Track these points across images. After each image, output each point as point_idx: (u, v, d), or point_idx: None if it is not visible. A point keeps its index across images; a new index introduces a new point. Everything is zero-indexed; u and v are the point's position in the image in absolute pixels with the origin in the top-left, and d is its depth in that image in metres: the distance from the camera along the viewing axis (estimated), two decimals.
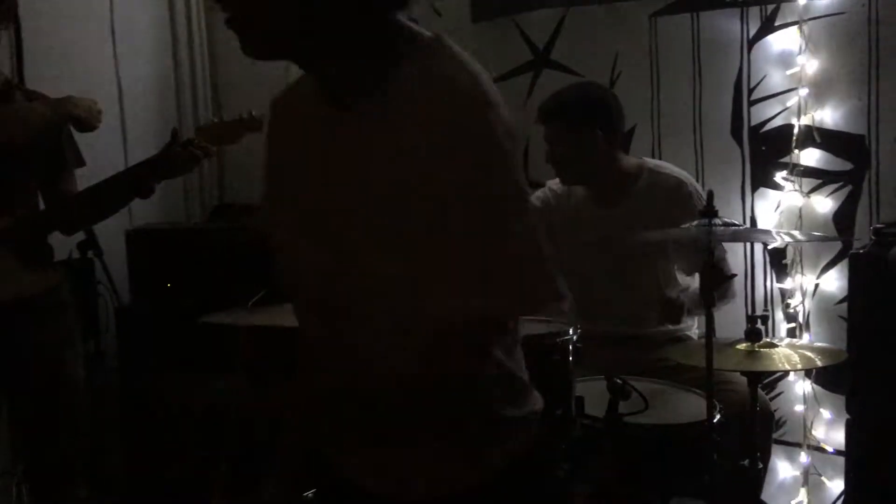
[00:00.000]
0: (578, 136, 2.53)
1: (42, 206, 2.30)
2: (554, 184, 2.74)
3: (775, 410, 2.74)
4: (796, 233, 2.59)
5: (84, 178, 2.34)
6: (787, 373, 2.75)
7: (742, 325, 2.13)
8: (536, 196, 2.69)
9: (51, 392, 2.17)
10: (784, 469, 2.85)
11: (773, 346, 2.03)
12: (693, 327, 2.69)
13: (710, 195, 1.87)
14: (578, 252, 2.58)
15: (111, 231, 2.79)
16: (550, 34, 3.18)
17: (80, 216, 2.30)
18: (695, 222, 1.88)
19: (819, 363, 2.03)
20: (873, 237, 2.43)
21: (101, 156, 2.57)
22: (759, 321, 2.03)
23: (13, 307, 2.09)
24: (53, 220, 2.27)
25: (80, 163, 2.39)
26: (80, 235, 2.42)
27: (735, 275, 1.91)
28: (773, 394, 2.84)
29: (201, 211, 3.72)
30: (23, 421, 2.20)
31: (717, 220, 1.85)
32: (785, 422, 2.83)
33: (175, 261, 3.23)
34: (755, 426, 2.07)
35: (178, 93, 3.69)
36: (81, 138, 2.35)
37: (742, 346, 2.04)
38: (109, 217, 2.35)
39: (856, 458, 2.44)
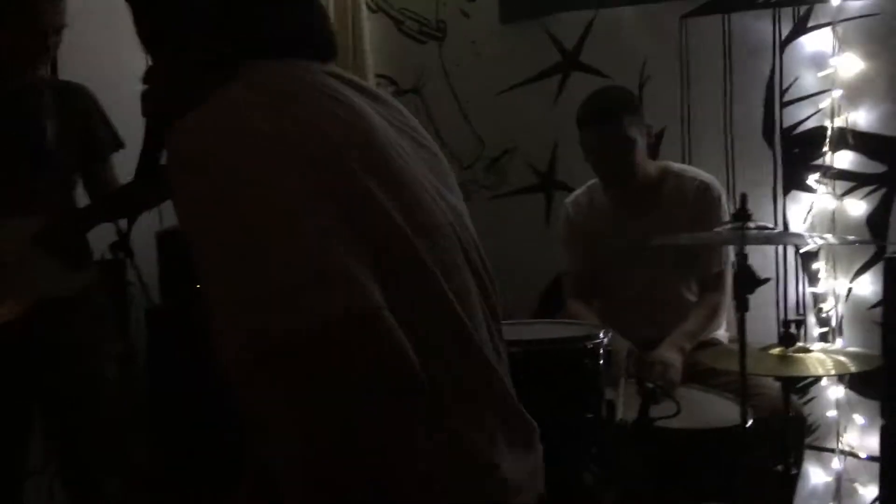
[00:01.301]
0: (631, 134, 2.50)
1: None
2: (574, 198, 2.73)
3: (808, 415, 2.71)
4: (829, 236, 2.56)
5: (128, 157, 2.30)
6: (819, 378, 2.72)
7: (773, 330, 2.11)
8: (560, 216, 2.70)
9: (85, 392, 2.19)
10: (816, 475, 2.82)
11: (807, 350, 2.01)
12: (723, 331, 2.66)
13: (744, 198, 1.85)
14: (607, 260, 2.58)
15: (142, 232, 2.81)
16: (579, 36, 3.17)
17: (118, 210, 2.21)
18: (728, 225, 1.86)
19: (853, 368, 2.00)
20: None
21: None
22: (793, 326, 2.01)
23: (50, 307, 2.11)
24: (91, 217, 2.24)
25: (118, 145, 2.34)
26: (111, 236, 2.44)
27: (768, 279, 1.88)
28: (805, 398, 2.81)
29: None
30: (57, 420, 2.23)
31: (750, 224, 1.83)
32: (818, 427, 2.80)
33: (186, 265, 3.23)
34: (788, 431, 2.04)
35: None
36: (123, 121, 2.32)
37: (776, 350, 2.02)
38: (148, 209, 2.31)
39: (890, 464, 2.40)
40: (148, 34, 1.09)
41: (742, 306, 1.81)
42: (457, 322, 1.01)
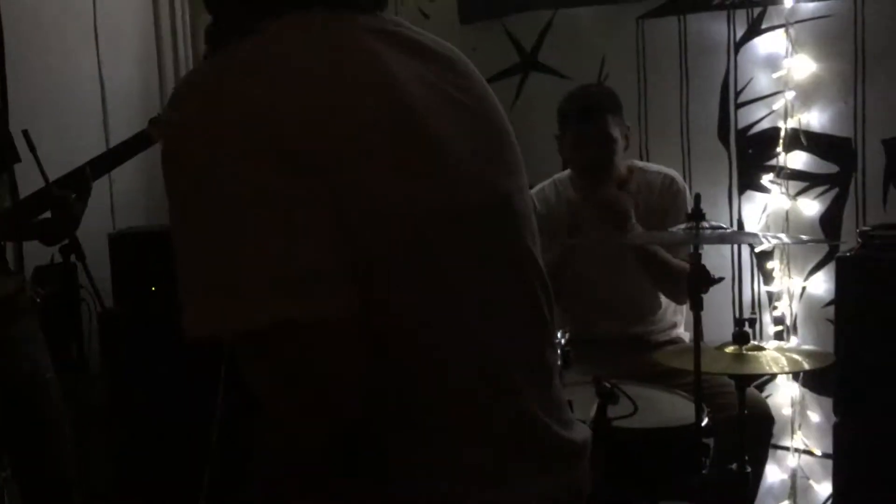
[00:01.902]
0: (613, 133, 2.54)
1: None
2: (539, 189, 2.74)
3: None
4: (783, 235, 2.59)
5: None
6: (774, 376, 2.75)
7: (729, 329, 2.13)
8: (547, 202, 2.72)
9: (22, 392, 2.17)
10: (772, 472, 2.84)
11: (761, 349, 2.03)
12: (682, 329, 2.70)
13: (698, 198, 1.86)
14: (573, 254, 2.59)
15: (94, 235, 2.76)
16: (538, 36, 3.17)
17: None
18: (682, 225, 1.87)
19: (806, 366, 2.03)
20: (860, 240, 2.43)
21: (85, 158, 2.54)
22: (746, 324, 2.03)
23: None
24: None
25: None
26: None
27: (723, 278, 1.90)
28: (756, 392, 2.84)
29: None
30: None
31: (704, 223, 1.84)
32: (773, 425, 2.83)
33: (159, 264, 3.20)
34: (744, 430, 2.06)
35: (162, 96, 3.66)
36: (65, 143, 2.32)
37: (730, 349, 2.04)
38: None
39: (843, 461, 2.44)
40: None
41: (696, 305, 1.82)
42: (466, 332, 0.88)
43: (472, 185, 0.93)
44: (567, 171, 2.74)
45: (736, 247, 2.85)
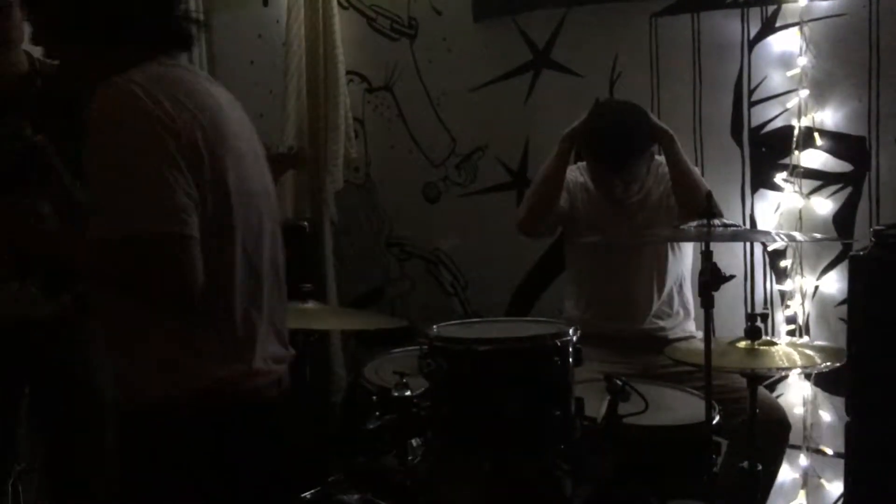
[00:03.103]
0: (637, 173, 2.62)
1: None
2: (570, 173, 2.76)
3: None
4: (796, 233, 2.58)
5: None
6: (786, 375, 2.74)
7: (742, 327, 2.12)
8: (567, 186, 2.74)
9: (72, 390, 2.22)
10: (783, 471, 2.83)
11: (773, 344, 2.03)
12: (694, 327, 2.70)
13: (709, 196, 1.86)
14: (590, 247, 2.61)
15: None
16: (550, 34, 3.17)
17: None
18: (694, 223, 1.87)
19: (819, 361, 2.02)
20: (873, 239, 2.42)
21: None
22: (759, 319, 2.02)
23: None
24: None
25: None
26: None
27: (734, 276, 1.90)
28: (773, 395, 2.83)
29: None
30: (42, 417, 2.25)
31: (717, 221, 1.84)
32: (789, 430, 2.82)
33: None
34: (754, 427, 2.06)
35: None
36: None
37: (742, 344, 2.03)
38: None
39: (855, 461, 2.43)
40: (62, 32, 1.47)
41: (707, 303, 1.82)
42: (248, 256, 1.45)
43: (252, 177, 1.49)
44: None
45: (748, 245, 2.84)
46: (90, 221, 1.34)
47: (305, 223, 3.26)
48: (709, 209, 1.82)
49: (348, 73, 3.49)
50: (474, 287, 3.44)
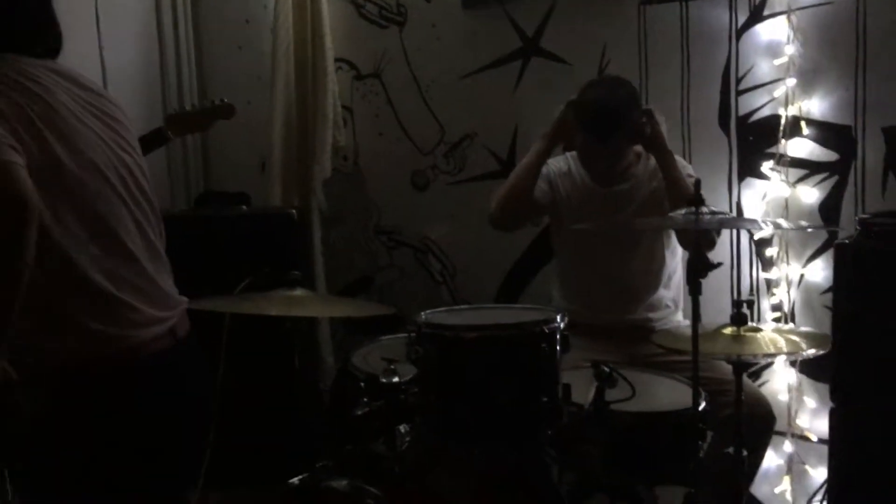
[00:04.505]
0: (624, 149, 2.62)
1: None
2: (555, 161, 2.75)
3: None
4: (782, 221, 2.60)
5: None
6: (772, 362, 2.77)
7: (728, 315, 2.13)
8: (543, 176, 2.74)
9: None
10: (768, 457, 2.85)
11: (759, 330, 2.04)
12: (681, 316, 2.72)
13: (698, 183, 1.87)
14: (579, 233, 2.61)
15: None
16: (540, 22, 3.17)
17: None
18: (682, 210, 1.88)
19: (804, 348, 2.03)
20: (858, 227, 2.44)
21: None
22: (745, 305, 2.04)
23: None
24: None
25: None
26: None
27: (721, 263, 1.91)
28: (758, 382, 2.86)
29: (187, 198, 3.70)
30: None
31: (704, 209, 1.85)
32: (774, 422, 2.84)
33: (181, 248, 3.20)
34: (740, 412, 2.07)
35: (164, 79, 3.66)
36: None
37: (727, 330, 2.04)
38: None
39: (839, 447, 2.45)
40: None
41: (695, 290, 1.83)
42: (101, 218, 1.67)
43: (98, 152, 1.71)
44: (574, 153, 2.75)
45: (735, 233, 2.86)
46: None
47: (293, 211, 3.25)
48: (697, 197, 1.82)
49: (337, 60, 3.48)
50: (463, 275, 3.44)
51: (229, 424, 2.89)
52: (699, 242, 1.87)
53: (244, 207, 3.35)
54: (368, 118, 3.54)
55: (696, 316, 1.83)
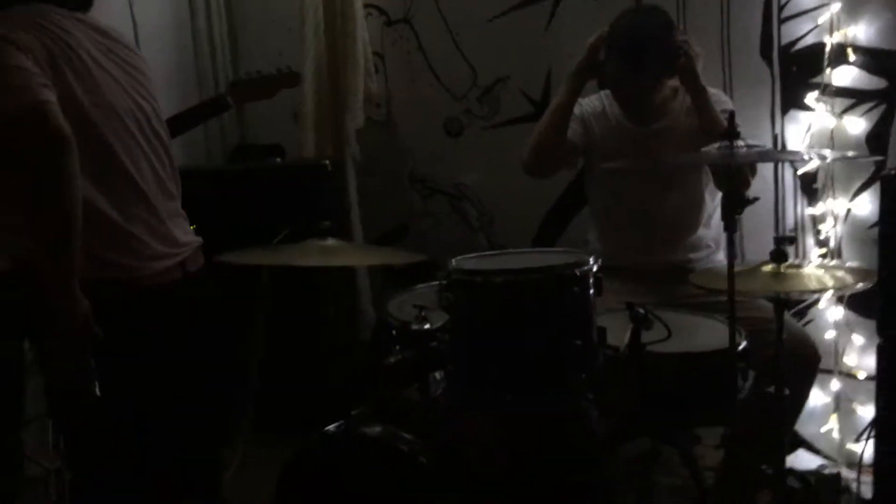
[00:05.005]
0: (660, 84, 2.52)
1: None
2: (588, 100, 2.68)
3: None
4: (826, 151, 2.50)
5: None
6: (817, 299, 2.69)
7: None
8: (576, 116, 2.66)
9: None
10: (815, 395, 2.81)
11: (800, 267, 1.98)
12: (721, 255, 2.65)
13: (732, 116, 1.80)
14: (614, 174, 2.55)
15: None
16: None
17: None
18: (716, 144, 1.81)
19: (847, 282, 1.96)
20: None
21: None
22: (785, 242, 1.97)
23: None
24: None
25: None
26: None
27: (757, 198, 1.84)
28: (804, 320, 2.79)
29: (223, 152, 3.70)
30: None
31: (740, 142, 1.78)
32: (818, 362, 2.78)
33: (199, 202, 3.23)
34: (781, 350, 2.02)
35: (195, 33, 3.64)
36: None
37: (767, 268, 1.98)
38: None
39: (886, 384, 2.39)
40: None
41: (730, 227, 1.77)
42: (117, 157, 1.78)
43: (116, 95, 1.82)
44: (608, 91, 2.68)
45: (779, 167, 2.77)
46: None
47: (326, 162, 3.23)
48: (731, 129, 1.75)
49: (366, 6, 3.41)
50: (499, 221, 3.41)
51: (265, 375, 2.94)
52: (733, 178, 1.80)
53: (278, 160, 3.34)
54: (400, 65, 3.49)
55: (731, 253, 1.78)
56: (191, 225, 3.04)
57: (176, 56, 3.55)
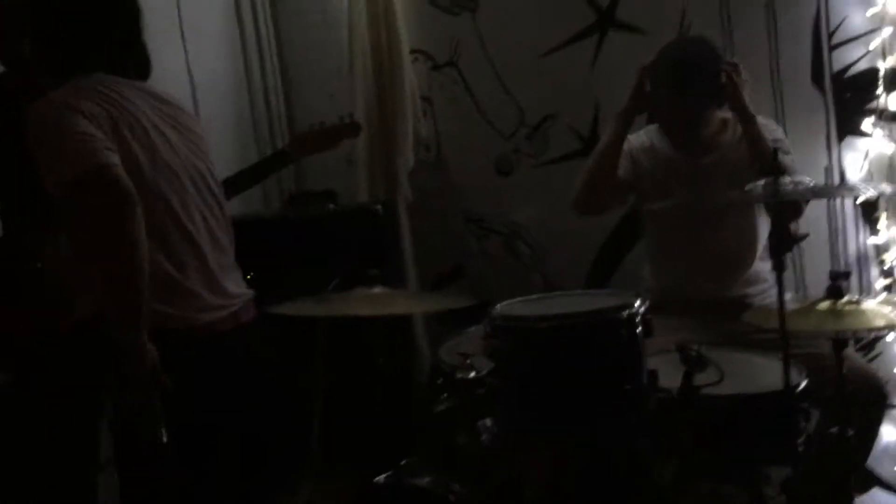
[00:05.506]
0: (706, 110, 2.51)
1: None
2: (635, 137, 2.66)
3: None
4: (884, 185, 2.42)
5: None
6: (884, 334, 2.59)
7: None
8: (625, 153, 2.63)
9: None
10: (888, 433, 2.69)
11: (858, 303, 1.91)
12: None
13: (776, 153, 1.75)
14: (669, 212, 2.52)
15: None
16: None
17: None
18: (761, 181, 1.77)
19: None
20: None
21: None
22: (840, 278, 1.91)
23: None
24: None
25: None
26: None
27: (807, 235, 1.79)
28: (871, 354, 2.69)
29: (279, 199, 3.78)
30: None
31: (787, 179, 1.74)
32: (886, 382, 2.67)
33: (255, 251, 3.29)
34: (843, 391, 1.95)
35: (250, 86, 3.74)
36: None
37: (823, 305, 1.92)
38: None
39: None
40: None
41: (779, 266, 1.72)
42: (174, 215, 1.86)
43: (173, 156, 1.90)
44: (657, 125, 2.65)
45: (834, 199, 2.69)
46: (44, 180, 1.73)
47: (379, 207, 3.27)
48: (775, 166, 1.71)
49: (412, 51, 3.47)
50: (553, 258, 3.38)
51: (318, 423, 2.96)
52: (781, 215, 1.75)
53: (331, 206, 3.39)
54: (448, 107, 3.51)
55: (781, 293, 1.73)
56: (248, 274, 3.15)
57: (233, 109, 3.65)
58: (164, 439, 1.74)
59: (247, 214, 3.54)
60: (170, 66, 3.32)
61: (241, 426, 1.96)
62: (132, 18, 1.97)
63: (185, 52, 3.41)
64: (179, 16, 3.39)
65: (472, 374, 1.90)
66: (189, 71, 3.42)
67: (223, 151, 2.60)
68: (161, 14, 3.32)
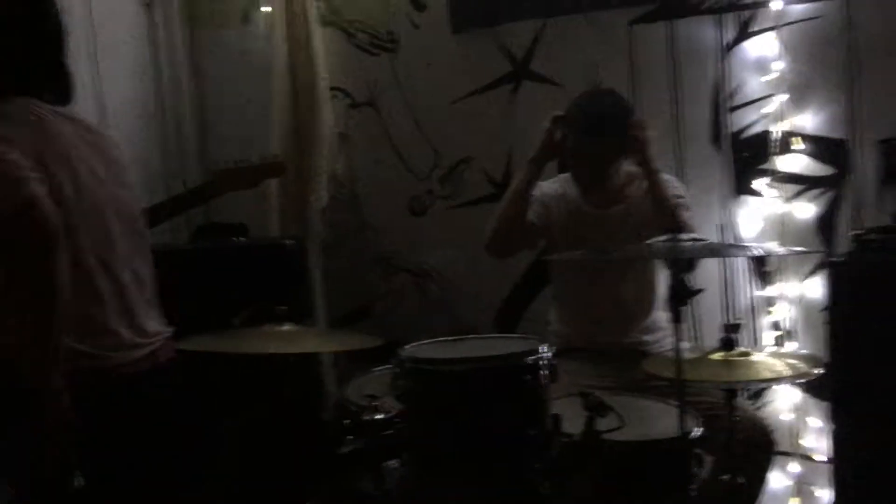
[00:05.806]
0: (617, 155, 2.59)
1: None
2: (548, 184, 2.73)
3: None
4: (773, 245, 2.57)
5: None
6: (771, 382, 2.72)
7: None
8: (537, 199, 2.71)
9: None
10: (776, 479, 2.81)
11: (748, 354, 2.01)
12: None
13: (674, 211, 1.85)
14: (569, 255, 2.59)
15: None
16: (529, 45, 3.16)
17: None
18: (662, 237, 1.86)
19: (794, 372, 1.99)
20: (853, 244, 2.40)
21: None
22: (733, 329, 2.01)
23: None
24: None
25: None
26: None
27: (702, 290, 1.88)
28: (760, 402, 2.82)
29: (188, 230, 3.71)
30: None
31: (684, 236, 1.83)
32: (773, 431, 2.80)
33: (162, 282, 3.22)
34: (734, 438, 2.04)
35: (162, 111, 3.69)
36: None
37: (716, 356, 2.01)
38: None
39: (843, 468, 2.41)
40: None
41: (676, 317, 1.80)
42: (96, 248, 1.79)
43: (96, 188, 1.84)
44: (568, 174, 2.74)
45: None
46: None
47: (288, 242, 3.25)
48: (675, 224, 1.80)
49: (331, 89, 3.49)
50: (463, 300, 3.43)
51: (221, 463, 2.89)
52: (678, 269, 1.83)
53: (241, 239, 3.35)
54: (364, 145, 3.54)
55: (678, 344, 1.80)
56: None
57: (144, 135, 3.58)
58: (80, 483, 1.65)
59: (154, 245, 3.46)
60: (79, 88, 3.24)
61: (154, 469, 1.86)
62: (56, 41, 1.88)
63: (98, 74, 3.34)
64: (94, 35, 3.32)
65: (379, 416, 1.90)
66: (99, 94, 3.35)
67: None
68: (73, 34, 3.25)
